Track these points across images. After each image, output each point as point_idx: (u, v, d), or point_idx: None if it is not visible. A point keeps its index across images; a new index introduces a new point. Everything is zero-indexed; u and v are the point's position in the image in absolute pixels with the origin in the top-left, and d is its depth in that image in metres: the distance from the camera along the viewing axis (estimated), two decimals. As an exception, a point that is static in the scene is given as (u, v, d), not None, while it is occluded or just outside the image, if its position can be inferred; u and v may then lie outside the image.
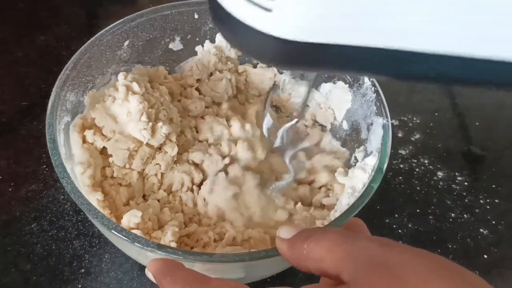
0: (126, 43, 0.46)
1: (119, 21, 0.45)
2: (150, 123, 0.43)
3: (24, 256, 0.45)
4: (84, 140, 0.42)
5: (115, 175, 0.43)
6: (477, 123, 0.61)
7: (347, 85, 0.47)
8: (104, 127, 0.43)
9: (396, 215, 0.51)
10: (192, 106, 0.49)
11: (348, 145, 0.48)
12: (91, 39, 0.44)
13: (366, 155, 0.43)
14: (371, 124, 0.43)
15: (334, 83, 0.49)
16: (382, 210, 0.51)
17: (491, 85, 0.26)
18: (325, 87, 0.50)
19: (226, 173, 0.45)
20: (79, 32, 0.64)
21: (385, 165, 0.39)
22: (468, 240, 0.50)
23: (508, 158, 0.57)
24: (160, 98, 0.46)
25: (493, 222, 0.52)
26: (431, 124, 0.59)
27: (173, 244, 0.38)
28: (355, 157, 0.45)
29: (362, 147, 0.45)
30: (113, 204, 0.42)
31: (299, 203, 0.45)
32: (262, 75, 0.52)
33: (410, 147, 0.57)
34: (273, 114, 0.45)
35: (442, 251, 0.49)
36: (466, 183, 0.54)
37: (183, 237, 0.41)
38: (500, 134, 0.60)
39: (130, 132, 0.43)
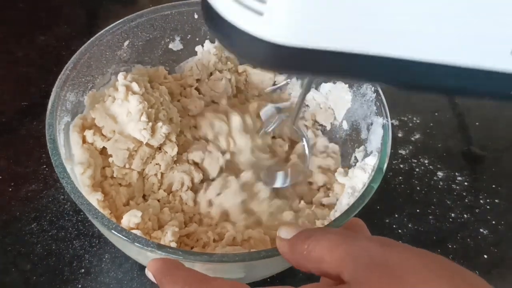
0: (126, 43, 0.46)
1: (119, 21, 0.45)
2: (150, 123, 0.43)
3: (24, 256, 0.45)
4: (84, 140, 0.42)
5: (115, 175, 0.43)
6: (477, 123, 0.61)
7: (347, 85, 0.47)
8: (104, 127, 0.43)
9: (396, 215, 0.51)
10: (192, 105, 0.49)
11: (348, 145, 0.48)
12: (91, 39, 0.44)
13: (366, 155, 0.43)
14: (371, 124, 0.43)
15: (334, 83, 0.49)
16: (382, 210, 0.51)
17: (483, 95, 0.27)
18: (325, 87, 0.50)
19: (237, 176, 0.45)
20: (79, 32, 0.64)
21: (385, 165, 0.39)
22: (468, 240, 0.50)
23: (508, 158, 0.57)
24: (160, 98, 0.46)
25: (493, 222, 0.52)
26: (431, 124, 0.59)
27: (173, 244, 0.38)
28: (355, 157, 0.45)
29: (362, 147, 0.45)
30: (113, 204, 0.42)
31: (302, 201, 0.45)
32: (262, 75, 0.52)
33: (410, 147, 0.57)
34: (272, 110, 0.46)
35: (442, 251, 0.49)
36: (466, 183, 0.54)
37: (183, 237, 0.41)
38: (500, 134, 0.60)
39: (130, 132, 0.43)
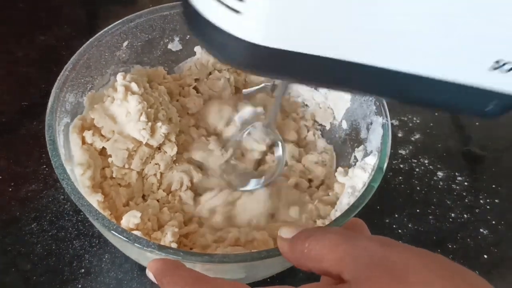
0: (125, 43, 0.46)
1: (118, 22, 0.45)
2: (149, 123, 0.43)
3: (24, 256, 0.45)
4: (83, 141, 0.42)
5: (114, 176, 0.43)
6: (477, 123, 0.61)
7: (347, 85, 0.47)
8: (103, 127, 0.43)
9: (396, 215, 0.51)
10: (190, 103, 0.49)
11: (348, 145, 0.48)
12: (90, 40, 0.43)
13: (366, 154, 0.43)
14: (371, 123, 0.43)
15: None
16: (382, 210, 0.51)
17: (459, 110, 0.27)
18: (325, 87, 0.50)
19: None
20: (79, 32, 0.64)
21: (385, 165, 0.39)
22: (468, 240, 0.50)
23: (508, 158, 0.57)
24: (159, 98, 0.46)
25: (493, 222, 0.52)
26: (431, 124, 0.59)
27: (174, 245, 0.38)
28: (354, 156, 0.45)
29: (361, 147, 0.45)
30: (113, 204, 0.42)
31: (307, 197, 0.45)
32: (262, 75, 0.52)
33: (410, 147, 0.57)
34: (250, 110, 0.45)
35: (442, 251, 0.49)
36: (466, 183, 0.54)
37: (182, 237, 0.41)
38: (500, 134, 0.60)
39: (129, 132, 0.43)
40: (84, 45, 0.43)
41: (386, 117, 0.42)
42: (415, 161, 0.56)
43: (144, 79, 0.47)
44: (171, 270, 0.27)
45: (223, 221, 0.43)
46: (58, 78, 0.41)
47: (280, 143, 0.44)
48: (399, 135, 0.58)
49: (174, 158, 0.45)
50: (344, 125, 0.49)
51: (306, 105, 0.52)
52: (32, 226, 0.47)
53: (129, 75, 0.45)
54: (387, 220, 0.51)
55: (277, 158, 0.45)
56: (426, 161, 0.56)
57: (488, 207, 0.53)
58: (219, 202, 0.43)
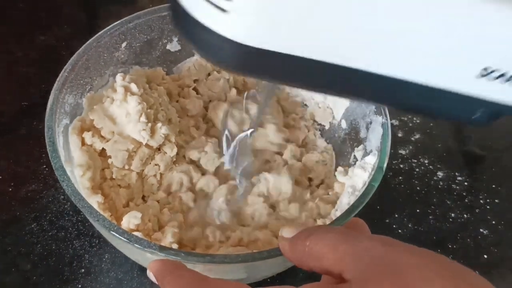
0: (124, 44, 0.46)
1: (116, 23, 0.45)
2: (149, 124, 0.43)
3: (24, 256, 0.45)
4: (83, 142, 0.42)
5: (114, 177, 0.43)
6: (477, 123, 0.60)
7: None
8: (103, 128, 0.43)
9: (396, 215, 0.51)
10: (190, 105, 0.49)
11: (347, 144, 0.48)
12: (89, 41, 0.43)
13: (366, 154, 0.43)
14: (370, 123, 0.43)
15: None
16: (382, 210, 0.51)
17: (447, 116, 0.26)
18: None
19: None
20: (79, 32, 0.64)
21: (385, 164, 0.39)
22: (468, 240, 0.50)
23: (508, 158, 0.57)
24: (159, 99, 0.46)
25: (493, 222, 0.52)
26: (431, 124, 0.59)
27: (175, 246, 0.38)
28: (354, 156, 0.45)
29: (361, 146, 0.45)
30: (112, 205, 0.42)
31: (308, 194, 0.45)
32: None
33: (410, 147, 0.57)
34: (237, 118, 0.44)
35: (442, 251, 0.49)
36: (466, 183, 0.54)
37: (183, 237, 0.41)
38: (500, 134, 0.60)
39: (129, 133, 0.43)
40: (83, 46, 0.43)
41: (386, 116, 0.42)
42: (415, 161, 0.56)
43: (143, 80, 0.47)
44: (171, 270, 0.27)
45: (229, 219, 0.43)
46: (57, 79, 0.41)
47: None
48: (399, 135, 0.58)
49: (174, 159, 0.45)
50: (344, 124, 0.49)
51: (305, 104, 0.52)
52: (32, 226, 0.47)
53: (128, 76, 0.45)
54: (387, 220, 0.51)
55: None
56: (426, 161, 0.56)
57: (488, 207, 0.53)
58: (220, 198, 0.43)
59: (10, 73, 0.59)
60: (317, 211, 0.43)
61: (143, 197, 0.45)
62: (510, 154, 0.58)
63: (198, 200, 0.45)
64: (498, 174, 0.56)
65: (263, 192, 0.44)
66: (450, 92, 0.23)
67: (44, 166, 0.51)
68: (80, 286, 0.44)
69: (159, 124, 0.43)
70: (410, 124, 0.59)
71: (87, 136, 0.42)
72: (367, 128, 0.44)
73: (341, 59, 0.22)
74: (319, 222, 0.42)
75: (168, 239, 0.39)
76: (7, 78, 0.59)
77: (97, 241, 0.46)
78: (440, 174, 0.55)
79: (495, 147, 0.58)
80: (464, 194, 0.54)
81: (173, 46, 0.50)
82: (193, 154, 0.46)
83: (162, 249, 0.33)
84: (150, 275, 0.28)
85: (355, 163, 0.45)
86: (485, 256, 0.49)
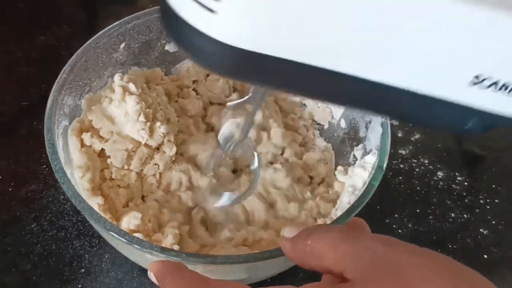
0: (122, 45, 0.46)
1: (115, 24, 0.45)
2: (148, 123, 0.43)
3: (24, 256, 0.45)
4: (82, 144, 0.42)
5: (113, 177, 0.43)
6: (477, 123, 0.60)
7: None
8: (102, 128, 0.43)
9: (396, 215, 0.51)
10: (190, 105, 0.49)
11: (346, 143, 0.48)
12: (88, 42, 0.43)
13: (365, 153, 0.43)
14: (370, 122, 0.43)
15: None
16: (382, 210, 0.51)
17: (438, 126, 0.26)
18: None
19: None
20: (79, 32, 0.64)
21: (385, 163, 0.39)
22: (468, 240, 0.50)
23: (508, 158, 0.57)
24: (157, 98, 0.45)
25: (493, 222, 0.52)
26: (431, 124, 0.59)
27: (176, 247, 0.38)
28: (353, 155, 0.45)
29: (361, 145, 0.45)
30: (112, 206, 0.42)
31: (308, 193, 0.45)
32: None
33: (410, 147, 0.57)
34: (237, 124, 0.43)
35: (442, 251, 0.48)
36: (466, 183, 0.54)
37: (185, 236, 0.41)
38: (500, 134, 0.60)
39: (128, 133, 0.43)
40: (82, 48, 0.43)
41: None
42: (415, 161, 0.56)
43: (142, 80, 0.47)
44: (172, 271, 0.27)
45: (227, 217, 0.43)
46: (56, 81, 0.41)
47: (256, 156, 0.42)
48: (399, 135, 0.58)
49: (173, 158, 0.45)
50: (343, 124, 0.49)
51: (304, 104, 0.52)
52: (32, 226, 0.47)
53: (126, 76, 0.44)
54: (387, 220, 0.51)
55: (252, 172, 0.44)
56: (426, 161, 0.56)
57: (488, 207, 0.53)
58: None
59: (10, 73, 0.59)
60: (317, 210, 0.44)
61: (143, 197, 0.45)
62: (510, 154, 0.58)
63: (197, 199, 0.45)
64: (498, 174, 0.56)
65: (259, 190, 0.44)
66: (441, 100, 0.23)
67: (44, 166, 0.51)
68: (80, 286, 0.44)
69: (158, 123, 0.43)
70: (410, 124, 0.59)
71: (86, 137, 0.42)
72: (367, 127, 0.44)
73: (333, 64, 0.22)
74: (320, 221, 0.42)
75: (168, 240, 0.39)
76: (7, 78, 0.59)
77: (97, 241, 0.46)
78: (440, 174, 0.55)
79: (495, 147, 0.58)
80: (464, 194, 0.54)
81: (172, 46, 0.50)
82: (193, 150, 0.45)
83: (163, 250, 0.33)
84: (151, 275, 0.28)
85: (354, 163, 0.45)
86: (485, 256, 0.49)
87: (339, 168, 0.46)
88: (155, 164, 0.44)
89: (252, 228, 0.42)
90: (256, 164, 0.42)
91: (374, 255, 0.24)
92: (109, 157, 0.43)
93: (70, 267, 0.45)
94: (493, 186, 0.54)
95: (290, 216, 0.43)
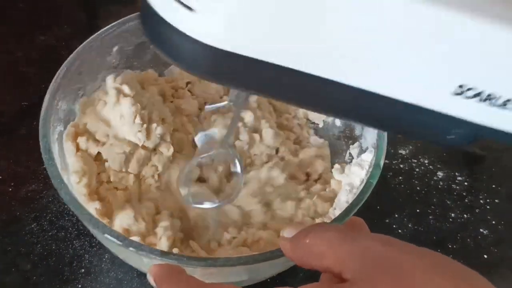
0: (115, 48, 0.46)
1: (108, 26, 0.44)
2: (145, 125, 0.42)
3: (24, 256, 0.45)
4: (77, 148, 0.42)
5: (111, 180, 0.43)
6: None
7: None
8: (97, 131, 0.42)
9: (396, 215, 0.51)
10: (185, 105, 0.49)
11: (342, 142, 0.48)
12: (81, 45, 0.43)
13: (362, 151, 0.43)
14: None
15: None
16: (382, 210, 0.51)
17: (422, 135, 0.25)
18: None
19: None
20: (79, 32, 0.64)
21: (382, 161, 0.39)
22: (468, 240, 0.50)
23: (508, 158, 0.57)
24: (151, 99, 0.45)
25: (493, 222, 0.52)
26: (431, 124, 0.59)
27: (175, 250, 0.38)
28: (349, 153, 0.45)
29: (357, 143, 0.45)
30: (110, 209, 0.41)
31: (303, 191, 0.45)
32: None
33: (410, 147, 0.57)
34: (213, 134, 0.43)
35: (442, 251, 0.48)
36: (466, 183, 0.54)
37: (185, 236, 0.41)
38: (500, 134, 0.60)
39: (124, 136, 0.42)
40: (76, 51, 0.42)
41: None
42: (415, 161, 0.56)
43: (135, 81, 0.46)
44: (171, 275, 0.27)
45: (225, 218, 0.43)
46: (50, 85, 0.40)
47: (237, 162, 0.42)
48: (399, 135, 0.58)
49: (171, 158, 0.45)
50: (338, 122, 0.49)
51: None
52: (32, 226, 0.47)
53: (119, 77, 0.44)
54: (387, 220, 0.51)
55: (235, 177, 0.43)
56: (426, 161, 0.56)
57: (488, 207, 0.53)
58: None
59: (10, 73, 0.59)
60: (314, 208, 0.43)
61: (140, 199, 0.45)
62: (510, 154, 0.58)
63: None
64: (498, 174, 0.56)
65: (254, 189, 0.44)
66: (424, 108, 0.22)
67: (44, 166, 0.51)
68: (80, 286, 0.44)
69: (154, 125, 0.43)
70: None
71: (82, 141, 0.42)
72: (362, 126, 0.44)
73: (311, 68, 0.21)
74: (318, 220, 0.42)
75: (163, 242, 0.39)
76: (7, 78, 0.59)
77: (97, 241, 0.46)
78: (440, 174, 0.55)
79: (495, 147, 0.58)
80: (464, 194, 0.53)
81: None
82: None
83: (164, 254, 0.33)
84: (150, 279, 0.28)
85: (351, 161, 0.45)
86: (485, 256, 0.49)
87: (336, 166, 0.46)
88: (153, 166, 0.44)
89: (252, 229, 0.42)
90: (238, 168, 0.41)
91: (373, 255, 0.24)
92: (106, 160, 0.42)
93: (70, 267, 0.45)
94: (493, 186, 0.54)
95: (287, 215, 0.43)
